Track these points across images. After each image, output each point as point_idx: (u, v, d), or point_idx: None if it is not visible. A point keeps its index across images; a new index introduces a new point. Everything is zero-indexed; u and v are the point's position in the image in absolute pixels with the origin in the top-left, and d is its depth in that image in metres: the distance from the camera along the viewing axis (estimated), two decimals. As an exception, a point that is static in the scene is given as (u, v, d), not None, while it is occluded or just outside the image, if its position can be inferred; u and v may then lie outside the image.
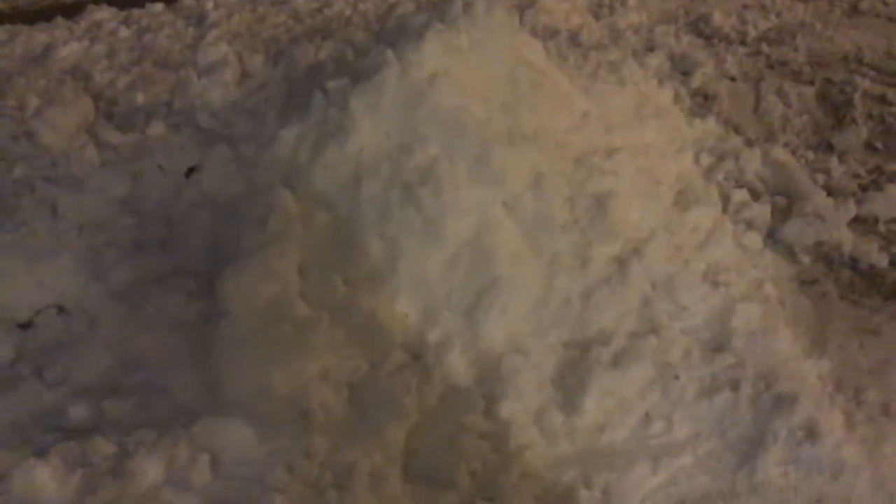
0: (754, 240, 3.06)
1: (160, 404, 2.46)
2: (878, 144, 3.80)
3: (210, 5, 4.75)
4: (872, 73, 4.42)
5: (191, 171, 2.88)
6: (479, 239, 2.51)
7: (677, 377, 2.43)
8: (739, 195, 3.30)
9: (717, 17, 5.13)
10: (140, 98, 3.56)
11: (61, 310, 2.81)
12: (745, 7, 5.38)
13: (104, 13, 4.78)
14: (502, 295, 2.47)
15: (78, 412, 2.46)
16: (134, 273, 2.73)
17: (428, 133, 2.54)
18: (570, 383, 2.41)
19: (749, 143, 3.75)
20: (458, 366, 2.40)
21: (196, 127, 3.11)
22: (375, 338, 2.42)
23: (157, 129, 3.10)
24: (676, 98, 3.98)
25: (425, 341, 2.44)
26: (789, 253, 3.12)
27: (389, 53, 2.60)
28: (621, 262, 2.64)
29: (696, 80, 4.33)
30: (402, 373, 2.35)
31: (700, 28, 5.08)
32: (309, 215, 2.51)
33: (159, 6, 4.95)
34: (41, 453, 2.32)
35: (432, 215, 2.47)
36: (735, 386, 2.39)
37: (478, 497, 2.14)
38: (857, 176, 3.59)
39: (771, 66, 4.60)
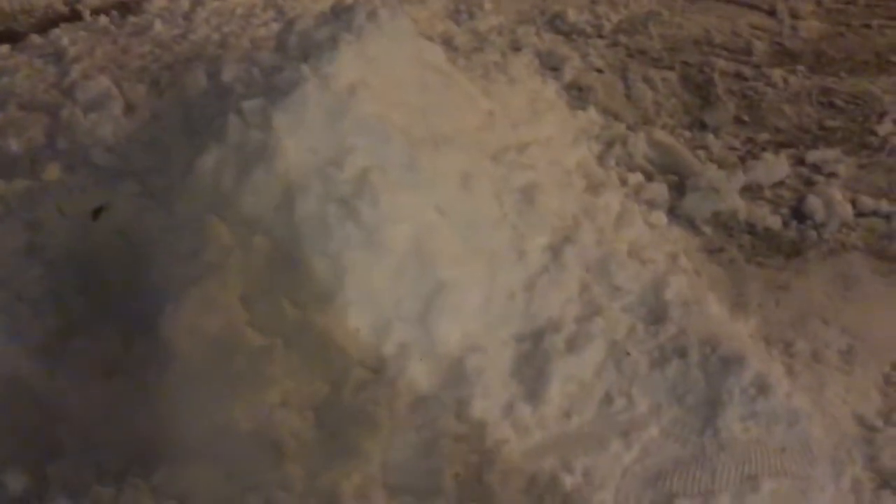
0: (659, 218, 3.21)
1: (109, 459, 2.30)
2: (745, 117, 4.08)
3: (66, 41, 4.49)
4: (725, 52, 4.73)
5: (98, 211, 2.71)
6: (419, 245, 2.51)
7: (628, 353, 2.51)
8: (634, 178, 3.46)
9: (571, 14, 5.34)
10: (13, 144, 3.32)
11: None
12: (594, 2, 5.63)
13: (-56, 60, 4.42)
14: (450, 297, 2.48)
15: (17, 482, 2.28)
16: (53, 325, 2.54)
17: (355, 144, 2.51)
18: (530, 374, 2.45)
19: (631, 129, 3.93)
20: (420, 373, 2.38)
21: (92, 166, 2.93)
22: (332, 357, 2.36)
23: (49, 172, 2.90)
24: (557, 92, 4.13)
25: (381, 354, 2.40)
26: (692, 226, 3.30)
27: (305, 68, 2.55)
28: (555, 251, 2.71)
29: (567, 75, 4.49)
30: (366, 388, 2.31)
31: (558, 25, 5.27)
32: (244, 242, 2.42)
33: (5, 47, 4.63)
34: (-16, 533, 2.14)
35: (371, 226, 2.44)
36: (683, 353, 2.49)
37: (466, 499, 2.14)
38: (733, 149, 3.84)
39: (631, 56, 4.84)
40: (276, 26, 4.49)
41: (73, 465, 2.29)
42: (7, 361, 2.51)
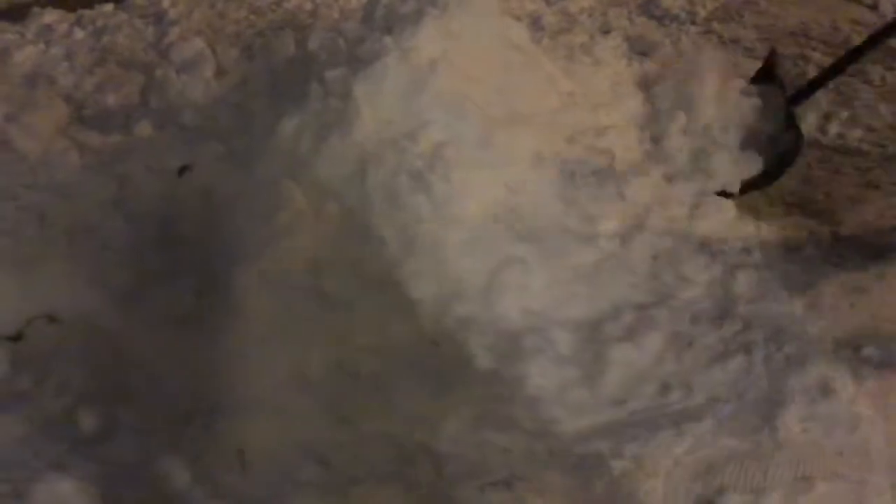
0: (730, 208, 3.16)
1: (175, 406, 2.42)
2: (837, 113, 3.94)
3: (167, 3, 4.65)
4: (821, 45, 4.58)
5: (183, 169, 2.83)
6: (487, 221, 2.53)
7: (690, 344, 2.50)
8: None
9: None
10: (111, 99, 3.47)
11: (52, 319, 2.73)
12: (691, -13, 5.53)
13: (53, 15, 4.62)
14: (515, 275, 2.50)
15: (89, 420, 2.41)
16: (132, 275, 2.67)
17: (431, 118, 2.55)
18: (587, 357, 2.45)
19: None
20: (478, 348, 2.41)
21: (180, 125, 3.05)
22: (393, 327, 2.42)
23: (141, 129, 3.03)
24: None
25: (442, 326, 2.44)
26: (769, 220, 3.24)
27: (388, 40, 2.60)
28: (624, 237, 2.71)
29: (656, 61, 4.43)
30: (424, 360, 2.36)
31: (651, 10, 5.18)
32: (317, 207, 2.50)
33: (109, 6, 4.81)
34: (59, 466, 2.26)
35: (442, 200, 2.48)
36: (747, 349, 2.46)
37: (514, 476, 2.18)
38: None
39: (724, 44, 4.73)
40: (367, -2, 4.56)
41: (142, 409, 2.41)
42: (87, 306, 2.66)
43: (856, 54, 3.47)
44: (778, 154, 3.41)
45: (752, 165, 3.24)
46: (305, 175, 2.55)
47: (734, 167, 3.23)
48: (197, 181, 2.80)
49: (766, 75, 3.85)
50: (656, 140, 3.28)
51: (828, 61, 4.39)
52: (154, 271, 2.67)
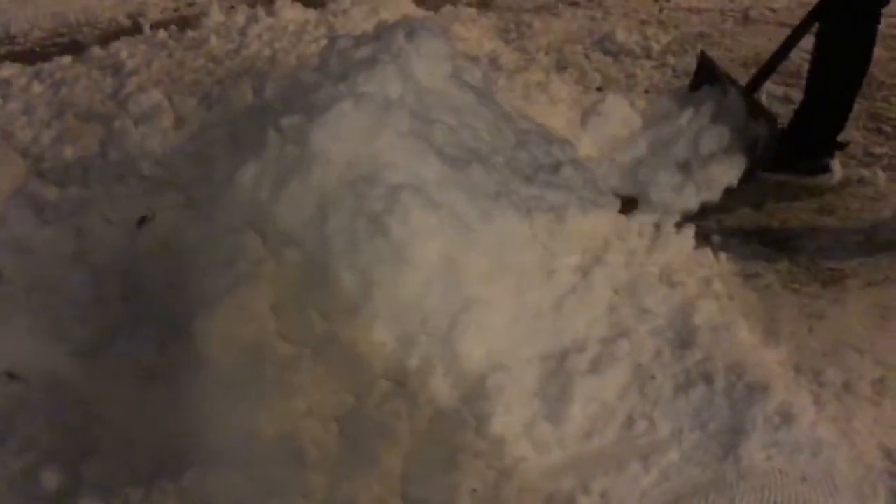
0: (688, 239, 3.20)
1: (141, 460, 2.39)
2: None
3: (124, 54, 4.66)
4: (774, 75, 4.68)
5: (143, 220, 2.82)
6: (447, 262, 2.55)
7: (653, 377, 2.52)
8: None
9: (620, 35, 5.35)
10: (69, 152, 3.46)
11: (12, 376, 2.69)
12: (644, 23, 5.64)
13: (11, 69, 4.63)
14: (476, 314, 2.51)
15: (52, 478, 2.37)
16: (94, 329, 2.65)
17: (389, 161, 2.57)
18: (552, 393, 2.46)
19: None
20: (443, 388, 2.42)
21: (140, 176, 3.05)
22: (357, 369, 2.42)
23: (99, 181, 3.02)
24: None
25: (406, 367, 2.45)
26: (727, 249, 3.29)
27: (343, 86, 2.63)
28: (584, 271, 2.73)
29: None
30: (389, 401, 2.36)
31: (606, 46, 5.29)
32: (277, 253, 2.50)
33: (67, 59, 4.83)
34: (21, 525, 2.23)
35: (401, 242, 2.50)
36: (708, 379, 2.49)
37: (482, 514, 2.18)
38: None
39: (678, 77, 4.83)
40: (324, 43, 4.60)
41: (106, 465, 2.38)
42: (49, 361, 2.63)
43: (796, 36, 3.63)
44: (753, 143, 3.51)
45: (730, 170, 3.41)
46: (265, 222, 2.56)
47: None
48: (157, 232, 2.80)
49: (706, 78, 3.94)
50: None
51: (781, 90, 4.51)
52: (116, 325, 2.65)
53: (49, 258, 2.82)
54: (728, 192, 3.62)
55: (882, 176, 3.62)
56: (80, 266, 2.78)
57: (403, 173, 2.58)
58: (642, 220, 3.09)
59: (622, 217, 3.05)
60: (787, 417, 2.35)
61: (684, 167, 3.52)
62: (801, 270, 3.17)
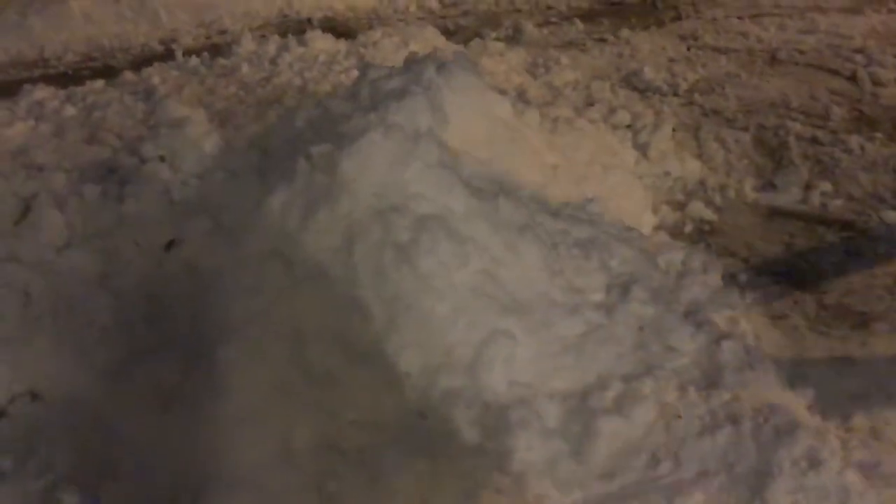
0: (716, 280, 3.19)
1: (160, 485, 2.39)
2: (818, 182, 4.00)
3: (157, 80, 4.73)
4: (801, 116, 4.68)
5: (170, 244, 2.84)
6: (473, 294, 2.54)
7: (679, 416, 2.48)
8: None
9: (648, 72, 5.38)
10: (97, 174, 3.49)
11: (35, 396, 2.71)
12: (672, 62, 5.67)
13: (44, 92, 4.69)
14: (501, 348, 2.50)
15: (71, 500, 2.37)
16: (118, 352, 2.66)
17: (417, 192, 2.57)
18: (575, 430, 2.43)
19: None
20: (465, 421, 2.40)
21: (170, 200, 3.07)
22: (380, 400, 2.40)
23: (128, 204, 3.04)
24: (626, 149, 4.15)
25: (429, 398, 2.43)
26: (754, 290, 3.27)
27: (373, 116, 2.65)
28: (609, 308, 2.71)
29: (640, 132, 4.50)
30: (412, 433, 2.34)
31: (633, 83, 5.32)
32: (302, 281, 2.50)
33: (100, 83, 4.90)
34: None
35: (427, 273, 2.49)
36: (735, 421, 2.45)
37: (502, 553, 2.15)
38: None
39: (706, 115, 4.83)
40: (355, 73, 4.64)
41: (126, 487, 2.38)
42: (71, 382, 2.64)
43: None
44: None
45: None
46: (292, 249, 2.56)
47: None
48: (184, 256, 2.81)
49: None
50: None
51: (808, 131, 4.50)
52: (140, 348, 2.66)
53: (75, 280, 2.84)
54: (757, 232, 3.61)
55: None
56: (105, 289, 2.80)
57: (431, 204, 2.58)
58: (669, 257, 3.08)
59: (649, 253, 3.04)
60: (814, 462, 2.31)
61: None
62: (828, 313, 3.14)
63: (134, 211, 3.02)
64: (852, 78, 5.10)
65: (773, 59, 5.60)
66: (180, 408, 2.50)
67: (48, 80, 5.22)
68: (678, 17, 6.69)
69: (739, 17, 6.51)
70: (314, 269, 2.52)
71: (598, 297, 2.74)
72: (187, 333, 2.66)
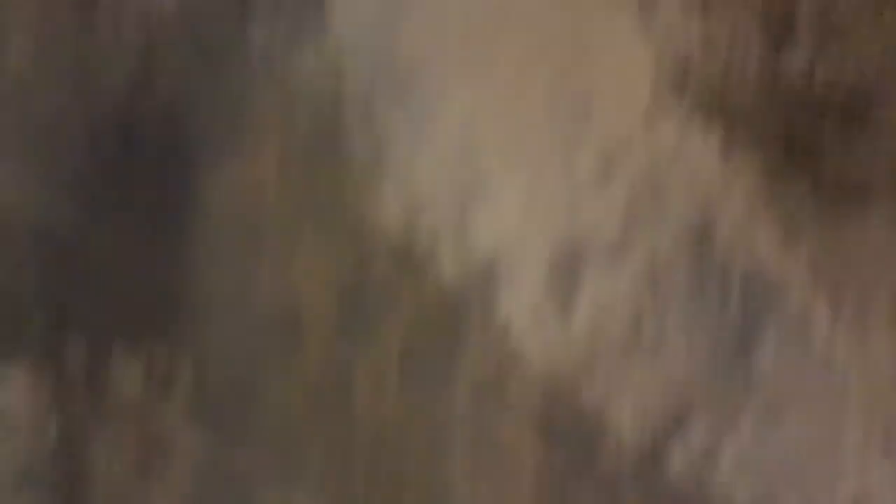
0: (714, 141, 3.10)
1: (132, 307, 2.32)
2: (825, 49, 3.87)
3: None
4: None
5: (147, 60, 2.67)
6: (466, 136, 2.43)
7: (667, 276, 2.44)
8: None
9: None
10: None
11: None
12: None
13: None
14: (491, 194, 2.41)
15: (38, 317, 2.29)
16: (92, 166, 2.53)
17: (413, 29, 2.42)
18: (562, 284, 2.38)
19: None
20: (449, 267, 2.34)
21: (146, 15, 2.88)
22: (361, 238, 2.33)
23: (103, 17, 2.85)
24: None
25: (413, 242, 2.36)
26: (753, 150, 3.18)
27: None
28: (605, 163, 2.62)
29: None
30: (393, 274, 2.29)
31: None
32: (287, 111, 2.38)
33: None
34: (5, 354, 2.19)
35: (419, 113, 2.38)
36: (724, 283, 2.41)
37: (480, 402, 2.12)
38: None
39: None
40: None
41: (94, 309, 2.31)
42: (37, 201, 2.52)
43: None
44: None
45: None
46: (275, 84, 2.43)
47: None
48: (162, 75, 2.65)
49: None
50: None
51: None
52: (112, 165, 2.53)
53: (43, 97, 2.68)
54: (757, 96, 3.49)
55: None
56: (77, 105, 2.64)
57: (427, 42, 2.44)
58: (669, 120, 2.97)
59: (651, 110, 2.92)
60: (803, 328, 2.29)
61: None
62: (826, 187, 3.07)
63: (110, 24, 2.83)
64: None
65: None
66: (154, 229, 2.42)
67: None
68: None
69: None
70: (298, 106, 2.40)
71: (594, 151, 2.63)
72: (164, 155, 2.54)
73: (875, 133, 3.29)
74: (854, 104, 3.35)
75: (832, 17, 3.58)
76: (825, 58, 3.61)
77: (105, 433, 2.04)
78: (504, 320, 2.27)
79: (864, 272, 2.60)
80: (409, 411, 2.08)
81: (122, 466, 2.00)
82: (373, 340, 2.15)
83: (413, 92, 2.40)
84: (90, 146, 2.61)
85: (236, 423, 2.06)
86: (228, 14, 2.83)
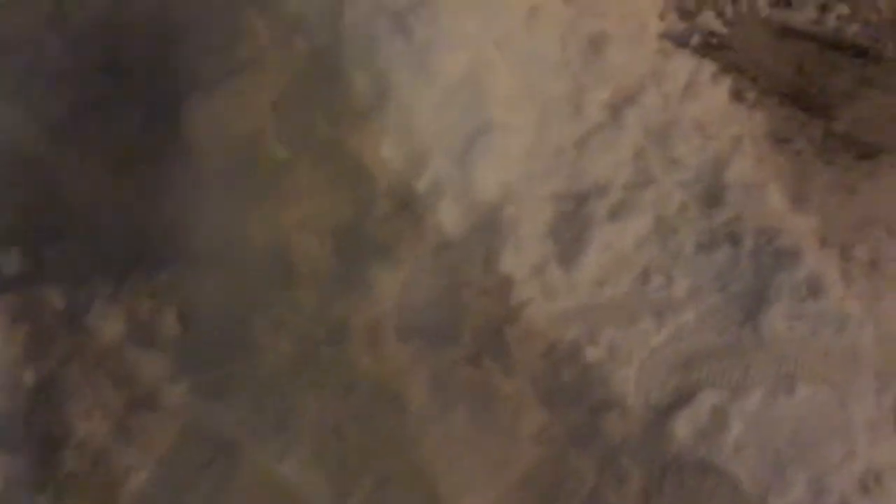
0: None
1: (114, 251, 2.18)
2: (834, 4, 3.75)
3: None
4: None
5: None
6: (471, 78, 2.30)
7: (676, 230, 2.33)
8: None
9: None
10: None
11: (-28, 147, 2.44)
12: None
13: None
14: (495, 140, 2.29)
15: (12, 261, 2.18)
16: (67, 103, 2.37)
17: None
18: (567, 236, 2.28)
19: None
20: (451, 215, 2.22)
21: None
22: (360, 183, 2.20)
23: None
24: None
25: (413, 188, 2.23)
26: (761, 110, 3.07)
27: None
28: (614, 109, 2.49)
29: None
30: (391, 221, 2.16)
31: None
32: (283, 43, 2.22)
33: None
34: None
35: (423, 48, 2.23)
36: (735, 240, 2.31)
37: (481, 355, 2.02)
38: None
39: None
40: None
41: (72, 252, 2.18)
42: (14, 136, 2.37)
43: None
44: None
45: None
46: (272, 5, 2.26)
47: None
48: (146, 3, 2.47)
49: None
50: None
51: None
52: (93, 100, 2.37)
53: (22, 18, 2.50)
54: (767, 50, 3.37)
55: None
56: (56, 31, 2.47)
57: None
58: (680, 62, 2.83)
59: (660, 58, 2.79)
60: (814, 289, 2.20)
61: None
62: (835, 140, 2.98)
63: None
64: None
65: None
66: (137, 169, 2.26)
67: None
68: None
69: None
70: (296, 30, 2.24)
71: (604, 96, 2.51)
72: (149, 88, 2.37)
73: (885, 86, 3.19)
74: (863, 53, 3.25)
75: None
76: (833, 9, 3.48)
77: (84, 388, 1.91)
78: (507, 272, 2.16)
79: (873, 231, 2.52)
80: (406, 366, 1.98)
81: (101, 426, 1.87)
82: (369, 291, 2.03)
83: (418, 22, 2.25)
84: (69, 71, 2.45)
85: (223, 377, 1.94)
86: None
